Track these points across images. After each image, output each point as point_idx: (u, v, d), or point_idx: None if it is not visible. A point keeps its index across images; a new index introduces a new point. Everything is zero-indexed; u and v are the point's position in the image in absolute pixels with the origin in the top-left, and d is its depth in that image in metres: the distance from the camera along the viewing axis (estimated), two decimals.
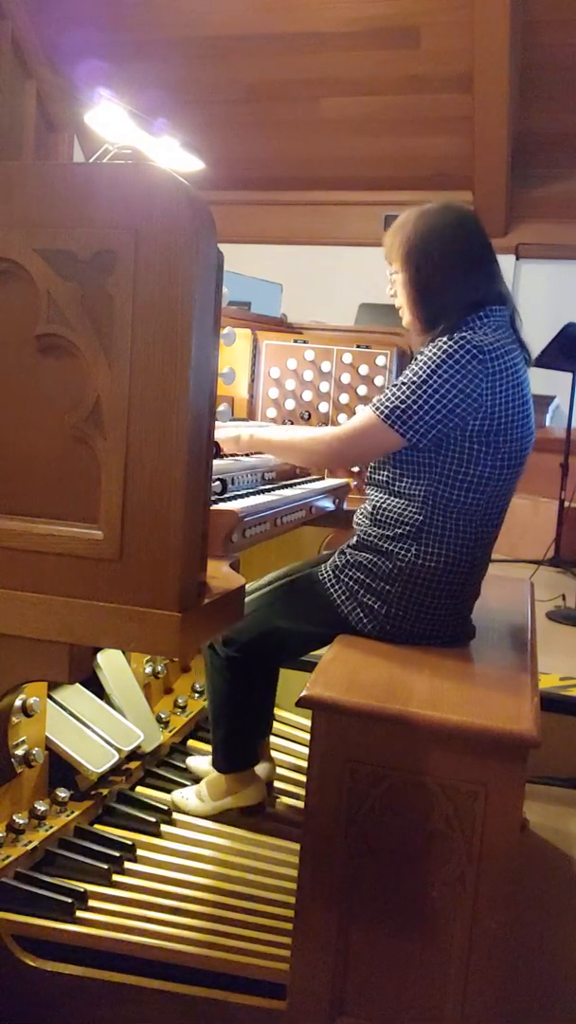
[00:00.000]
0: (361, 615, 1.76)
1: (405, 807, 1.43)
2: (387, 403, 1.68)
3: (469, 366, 1.65)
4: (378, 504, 1.78)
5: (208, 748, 2.29)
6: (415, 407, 1.66)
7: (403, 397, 1.67)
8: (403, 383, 1.68)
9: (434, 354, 1.67)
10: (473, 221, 1.78)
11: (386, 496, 1.78)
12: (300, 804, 2.00)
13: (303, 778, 1.55)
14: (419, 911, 1.44)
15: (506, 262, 5.98)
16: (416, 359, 1.71)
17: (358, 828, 1.45)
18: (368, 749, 1.44)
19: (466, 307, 1.72)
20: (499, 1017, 1.41)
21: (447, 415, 1.65)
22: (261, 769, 2.10)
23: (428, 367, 1.66)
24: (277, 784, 2.28)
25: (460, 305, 1.73)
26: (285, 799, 2.21)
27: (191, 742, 2.39)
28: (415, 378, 1.67)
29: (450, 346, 1.66)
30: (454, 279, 1.73)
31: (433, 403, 1.65)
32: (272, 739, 2.48)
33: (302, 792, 1.63)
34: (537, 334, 4.98)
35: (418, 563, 1.71)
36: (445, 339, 1.68)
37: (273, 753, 2.42)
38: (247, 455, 1.96)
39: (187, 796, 2.07)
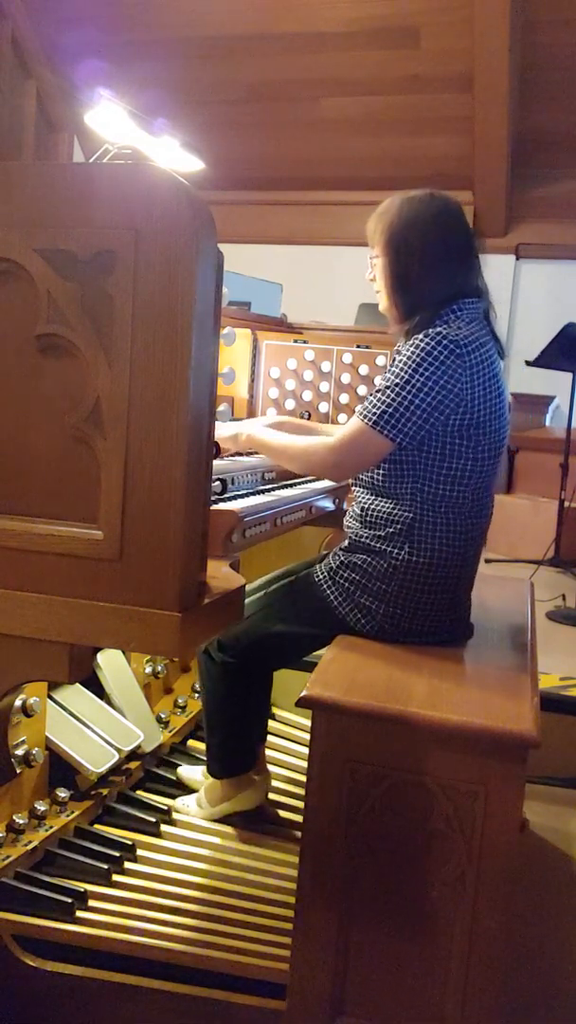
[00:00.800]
0: (359, 616, 1.76)
1: (405, 807, 1.43)
2: (373, 409, 1.68)
3: (448, 361, 1.65)
4: (366, 505, 1.79)
5: (198, 756, 2.27)
6: (401, 409, 1.66)
7: (388, 401, 1.67)
8: (386, 387, 1.68)
9: (413, 353, 1.67)
10: (456, 212, 1.78)
11: (373, 497, 1.78)
12: (299, 804, 2.00)
13: (302, 778, 1.55)
14: (419, 911, 1.44)
15: (506, 262, 5.99)
16: (394, 361, 1.72)
17: (358, 828, 1.45)
18: (368, 749, 1.44)
19: (443, 298, 1.73)
20: (499, 1017, 1.41)
21: (431, 412, 1.66)
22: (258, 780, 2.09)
23: (408, 367, 1.66)
24: (277, 784, 2.28)
25: (437, 296, 1.74)
26: (283, 799, 2.21)
27: (191, 742, 2.39)
28: (397, 380, 1.67)
29: (427, 343, 1.66)
30: (433, 269, 1.74)
31: (418, 402, 1.65)
32: (272, 739, 2.48)
33: (301, 792, 1.63)
34: (537, 334, 5.01)
35: (412, 560, 1.72)
36: (421, 336, 1.68)
37: (273, 753, 2.42)
38: (248, 454, 1.96)
39: (188, 803, 2.07)
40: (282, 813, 2.14)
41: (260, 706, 2.05)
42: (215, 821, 2.02)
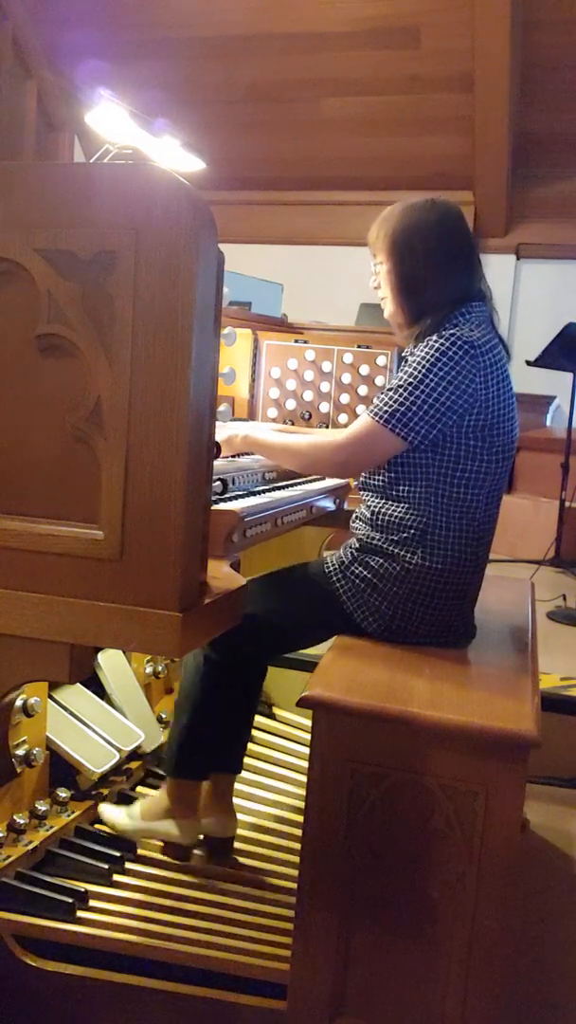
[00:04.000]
0: (367, 614, 1.75)
1: (405, 807, 1.43)
2: (385, 408, 1.68)
3: (463, 362, 1.65)
4: (377, 509, 1.77)
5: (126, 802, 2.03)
6: (414, 408, 1.65)
7: (401, 399, 1.66)
8: (399, 386, 1.68)
9: (427, 353, 1.67)
10: (457, 218, 1.79)
11: (384, 500, 1.76)
12: (300, 804, 1.99)
13: (302, 778, 1.55)
14: (419, 911, 1.44)
15: (506, 262, 5.99)
16: (407, 361, 1.71)
17: (358, 828, 1.45)
18: (368, 749, 1.44)
19: (449, 301, 1.74)
20: (499, 1017, 1.41)
21: (446, 413, 1.66)
22: (215, 823, 1.93)
23: (423, 367, 1.66)
24: (281, 785, 2.28)
25: (443, 299, 1.74)
26: (285, 799, 2.21)
27: None
28: (411, 380, 1.67)
29: (442, 343, 1.66)
30: (435, 273, 1.75)
31: (432, 402, 1.65)
32: (272, 739, 2.48)
33: (301, 793, 1.63)
34: (537, 334, 5.00)
35: (425, 565, 1.71)
36: (435, 337, 1.68)
37: (272, 753, 2.42)
38: (244, 455, 1.95)
39: (115, 814, 1.91)
40: (285, 814, 2.14)
41: (239, 707, 1.92)
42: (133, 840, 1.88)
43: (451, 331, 1.68)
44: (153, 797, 1.92)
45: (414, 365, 1.68)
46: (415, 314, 1.77)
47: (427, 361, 1.66)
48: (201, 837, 1.92)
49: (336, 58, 5.43)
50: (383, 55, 5.36)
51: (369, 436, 1.70)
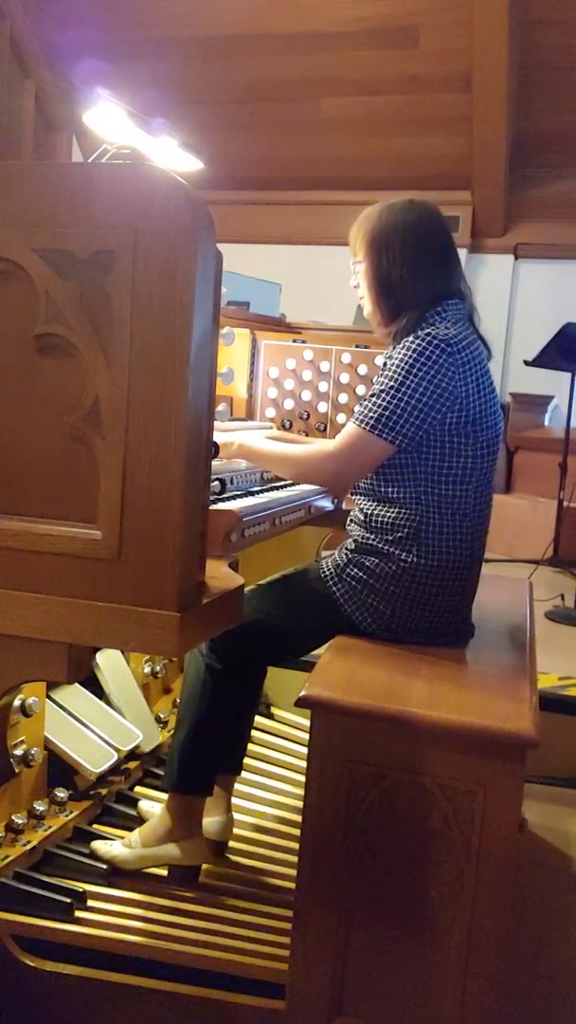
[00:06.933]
0: (365, 615, 1.75)
1: (404, 807, 1.43)
2: (370, 414, 1.68)
3: (440, 360, 1.66)
4: (369, 512, 1.77)
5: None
6: (398, 411, 1.66)
7: (384, 404, 1.67)
8: (380, 391, 1.68)
9: (404, 355, 1.68)
10: (435, 218, 1.80)
11: (375, 503, 1.77)
12: (298, 804, 1.99)
13: (301, 779, 1.55)
14: (418, 911, 1.44)
15: (504, 262, 6.00)
16: (385, 365, 1.72)
17: (357, 828, 1.45)
18: (367, 749, 1.44)
19: (425, 300, 1.75)
20: (498, 1017, 1.41)
21: (428, 412, 1.66)
22: (214, 824, 1.90)
23: (402, 369, 1.67)
24: (279, 785, 2.28)
25: (419, 297, 1.76)
26: (284, 799, 2.21)
27: None
28: (391, 383, 1.67)
29: (418, 344, 1.67)
30: (414, 271, 1.76)
31: (414, 403, 1.66)
32: (271, 739, 2.48)
33: (300, 793, 1.62)
34: (536, 334, 5.00)
35: (420, 563, 1.71)
36: (411, 338, 1.69)
37: (270, 753, 2.42)
38: None
39: (112, 847, 1.84)
40: (283, 814, 2.14)
41: (241, 711, 1.91)
42: (138, 878, 1.80)
43: (427, 331, 1.69)
44: (152, 821, 1.84)
45: (393, 368, 1.68)
46: (392, 312, 1.79)
47: (405, 363, 1.67)
48: None
49: (335, 58, 5.44)
50: (382, 55, 5.36)
51: (357, 443, 1.70)
